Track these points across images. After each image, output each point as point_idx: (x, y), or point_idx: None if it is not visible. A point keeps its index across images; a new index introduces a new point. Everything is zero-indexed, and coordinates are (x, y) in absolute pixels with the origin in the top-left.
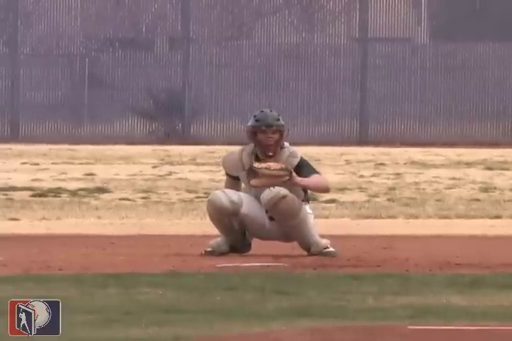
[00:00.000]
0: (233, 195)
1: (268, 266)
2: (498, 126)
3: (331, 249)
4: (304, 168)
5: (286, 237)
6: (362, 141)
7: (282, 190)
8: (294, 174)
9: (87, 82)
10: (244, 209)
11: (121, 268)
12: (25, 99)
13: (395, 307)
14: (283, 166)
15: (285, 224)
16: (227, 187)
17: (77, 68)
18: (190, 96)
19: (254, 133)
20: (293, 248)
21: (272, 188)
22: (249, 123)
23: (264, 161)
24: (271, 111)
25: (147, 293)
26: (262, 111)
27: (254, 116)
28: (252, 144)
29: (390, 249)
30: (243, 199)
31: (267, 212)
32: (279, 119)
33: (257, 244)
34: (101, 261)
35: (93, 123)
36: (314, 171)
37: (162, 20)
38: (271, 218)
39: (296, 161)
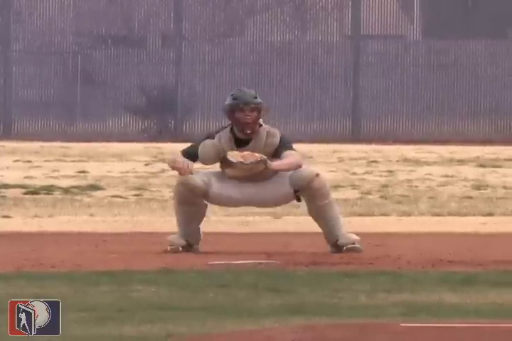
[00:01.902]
0: (203, 175)
1: (260, 263)
2: (491, 123)
3: (358, 245)
4: (280, 148)
5: (263, 203)
6: (354, 138)
7: (314, 169)
8: (268, 163)
9: (79, 79)
10: (215, 188)
11: (113, 265)
12: (17, 97)
13: (388, 305)
14: (258, 159)
15: (315, 204)
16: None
17: (70, 65)
18: (182, 93)
19: (232, 111)
20: (286, 245)
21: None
22: (226, 102)
23: (240, 151)
24: (248, 89)
25: (140, 291)
26: (239, 90)
27: (232, 95)
28: (227, 129)
29: (382, 247)
30: (211, 179)
31: (296, 191)
32: (256, 97)
33: (249, 242)
34: (93, 259)
35: (86, 121)
36: (288, 148)
37: (154, 17)
38: (298, 199)
39: (276, 141)
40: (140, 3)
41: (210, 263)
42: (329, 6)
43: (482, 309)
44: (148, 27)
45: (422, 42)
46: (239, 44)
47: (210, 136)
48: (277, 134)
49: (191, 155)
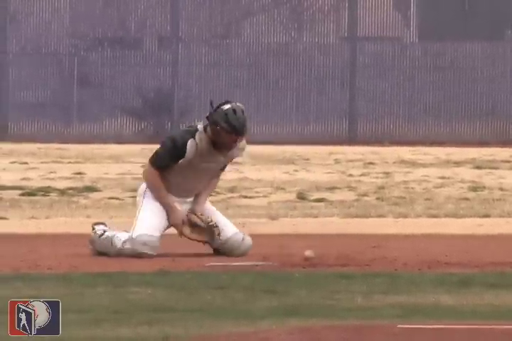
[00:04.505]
0: (156, 230)
1: (257, 265)
2: (487, 125)
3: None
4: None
5: None
6: (351, 139)
7: (238, 237)
8: (198, 216)
9: (76, 81)
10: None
11: (110, 267)
12: (14, 98)
13: (384, 306)
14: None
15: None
16: (155, 178)
17: (66, 67)
18: (179, 95)
19: (220, 132)
20: (282, 247)
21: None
22: (218, 120)
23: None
24: (242, 111)
25: (136, 292)
26: (234, 112)
27: (226, 115)
28: (202, 131)
29: (379, 248)
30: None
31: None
32: (246, 124)
33: None
34: (90, 260)
35: (82, 122)
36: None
37: (151, 19)
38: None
39: (240, 154)
40: (136, 5)
41: (207, 264)
42: (326, 8)
43: (478, 310)
44: (145, 29)
45: (418, 44)
46: (235, 46)
47: (177, 140)
48: (245, 150)
49: (172, 159)
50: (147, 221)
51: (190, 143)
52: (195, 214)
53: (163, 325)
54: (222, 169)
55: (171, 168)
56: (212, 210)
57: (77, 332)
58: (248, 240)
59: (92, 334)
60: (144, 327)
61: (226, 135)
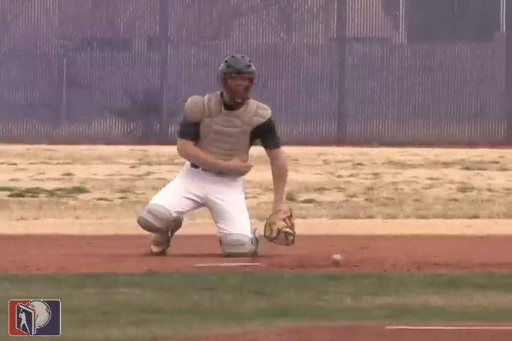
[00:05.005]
0: (170, 205)
1: (246, 265)
2: (476, 126)
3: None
4: (269, 136)
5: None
6: (340, 140)
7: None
8: (289, 210)
9: (64, 81)
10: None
11: (99, 268)
12: (2, 99)
13: (373, 308)
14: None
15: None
16: (186, 146)
17: (55, 68)
18: (168, 96)
19: (224, 78)
20: (271, 248)
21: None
22: (219, 68)
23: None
24: (242, 56)
25: (125, 293)
26: (233, 57)
27: (226, 62)
28: (218, 93)
29: (368, 249)
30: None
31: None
32: (250, 65)
33: None
34: (79, 261)
35: (71, 123)
36: (277, 144)
37: (140, 20)
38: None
39: (267, 115)
40: (125, 6)
41: (195, 265)
42: (314, 9)
43: (467, 312)
44: (134, 30)
45: (407, 45)
46: (224, 46)
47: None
48: (268, 109)
49: (191, 123)
50: (166, 195)
51: (196, 98)
52: (278, 218)
53: (151, 326)
54: (269, 146)
55: (198, 142)
56: (239, 209)
57: (66, 333)
58: (251, 246)
59: (81, 335)
60: (133, 328)
61: (230, 79)
